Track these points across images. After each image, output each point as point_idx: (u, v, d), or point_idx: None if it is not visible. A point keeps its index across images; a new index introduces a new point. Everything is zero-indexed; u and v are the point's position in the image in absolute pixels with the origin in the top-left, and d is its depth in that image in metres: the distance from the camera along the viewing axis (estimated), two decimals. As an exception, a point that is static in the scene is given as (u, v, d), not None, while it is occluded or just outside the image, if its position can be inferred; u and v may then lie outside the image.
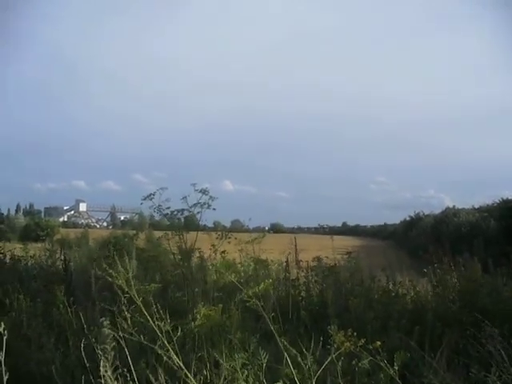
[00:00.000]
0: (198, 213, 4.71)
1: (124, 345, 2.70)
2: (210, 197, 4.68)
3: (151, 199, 4.75)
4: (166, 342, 2.54)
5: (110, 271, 2.71)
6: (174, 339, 2.61)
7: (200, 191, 4.63)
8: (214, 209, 4.74)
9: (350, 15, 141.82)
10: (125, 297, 2.62)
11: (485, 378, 2.92)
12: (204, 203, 4.66)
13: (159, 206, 4.79)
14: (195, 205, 4.67)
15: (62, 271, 7.45)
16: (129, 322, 2.62)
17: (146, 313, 2.61)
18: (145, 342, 2.63)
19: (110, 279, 2.69)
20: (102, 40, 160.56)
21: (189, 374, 2.57)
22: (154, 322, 2.60)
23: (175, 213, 4.85)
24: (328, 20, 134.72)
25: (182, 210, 4.81)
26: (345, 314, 4.63)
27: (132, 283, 2.62)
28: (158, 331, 2.57)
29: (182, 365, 2.55)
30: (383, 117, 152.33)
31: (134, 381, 2.70)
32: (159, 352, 2.59)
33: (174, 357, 2.57)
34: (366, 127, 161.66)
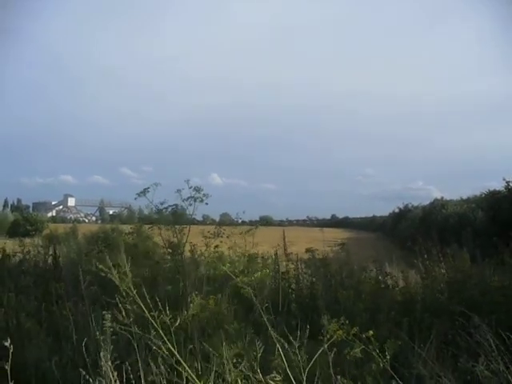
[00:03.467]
0: (191, 205, 4.72)
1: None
2: (204, 194, 4.69)
3: (145, 194, 4.74)
4: (161, 333, 2.52)
5: (101, 266, 2.67)
6: (172, 329, 2.60)
7: (194, 189, 4.63)
8: (206, 203, 4.74)
9: (334, 11, 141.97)
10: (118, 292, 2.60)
11: (473, 368, 2.95)
12: (197, 197, 4.66)
13: (152, 201, 4.79)
14: (189, 198, 4.67)
15: (51, 267, 7.40)
16: (123, 313, 2.61)
17: (141, 304, 2.59)
18: (140, 333, 2.62)
19: (101, 274, 2.66)
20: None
21: (184, 364, 2.56)
22: (149, 313, 2.58)
23: (169, 208, 4.85)
24: (312, 18, 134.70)
25: (176, 205, 4.81)
26: (334, 306, 4.65)
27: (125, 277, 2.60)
28: (153, 322, 2.55)
29: (177, 355, 2.54)
30: (371, 111, 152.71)
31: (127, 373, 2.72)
32: (152, 344, 2.57)
33: (170, 347, 2.55)
34: (354, 121, 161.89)
